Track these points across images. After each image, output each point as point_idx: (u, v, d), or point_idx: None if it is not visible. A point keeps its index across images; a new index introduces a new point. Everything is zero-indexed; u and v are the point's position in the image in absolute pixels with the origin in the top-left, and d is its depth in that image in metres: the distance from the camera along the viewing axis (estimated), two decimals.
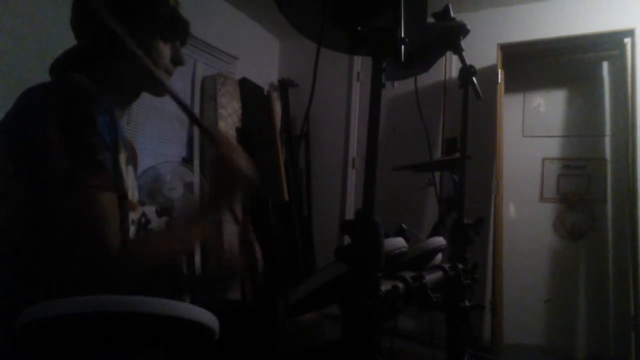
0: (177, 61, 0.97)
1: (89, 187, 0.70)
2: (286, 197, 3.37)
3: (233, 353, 0.92)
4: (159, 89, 0.95)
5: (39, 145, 0.70)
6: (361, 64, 3.69)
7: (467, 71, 1.14)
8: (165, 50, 0.94)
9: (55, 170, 0.70)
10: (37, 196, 0.71)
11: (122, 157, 0.85)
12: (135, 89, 0.96)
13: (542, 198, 3.24)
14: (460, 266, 1.03)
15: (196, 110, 3.06)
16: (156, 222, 2.29)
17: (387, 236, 0.87)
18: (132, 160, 1.01)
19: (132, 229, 0.91)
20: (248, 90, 3.38)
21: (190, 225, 0.88)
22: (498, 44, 3.04)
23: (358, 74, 3.70)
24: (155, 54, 0.92)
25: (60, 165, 0.69)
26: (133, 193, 0.94)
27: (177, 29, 0.95)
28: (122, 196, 0.81)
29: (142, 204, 2.31)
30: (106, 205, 0.72)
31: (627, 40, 2.85)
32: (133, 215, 0.96)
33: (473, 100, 1.17)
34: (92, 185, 0.70)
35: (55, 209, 0.71)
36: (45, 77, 0.87)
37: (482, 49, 3.03)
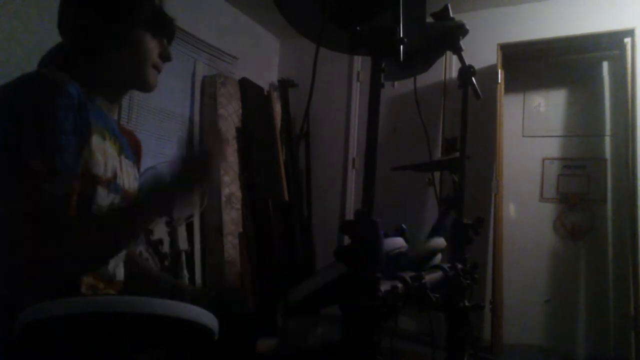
0: (165, 57, 0.98)
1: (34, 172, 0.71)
2: (286, 197, 3.37)
3: (232, 354, 0.92)
4: (146, 84, 0.97)
5: None
6: (361, 64, 3.69)
7: (466, 71, 1.14)
8: (153, 45, 0.95)
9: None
10: None
11: (108, 144, 0.89)
12: (121, 83, 0.98)
13: (542, 198, 3.24)
14: (460, 266, 1.03)
15: (196, 110, 3.06)
16: (156, 222, 2.28)
17: (387, 236, 0.87)
18: (129, 150, 1.05)
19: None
20: (248, 90, 3.38)
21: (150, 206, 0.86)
22: (498, 44, 3.04)
23: (358, 74, 3.70)
24: (142, 49, 0.93)
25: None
26: (126, 180, 0.98)
27: (162, 26, 0.97)
28: (89, 175, 0.83)
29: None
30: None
31: (627, 40, 2.85)
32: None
33: (473, 100, 1.17)
34: (36, 170, 0.71)
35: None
36: None
37: (482, 49, 3.03)
